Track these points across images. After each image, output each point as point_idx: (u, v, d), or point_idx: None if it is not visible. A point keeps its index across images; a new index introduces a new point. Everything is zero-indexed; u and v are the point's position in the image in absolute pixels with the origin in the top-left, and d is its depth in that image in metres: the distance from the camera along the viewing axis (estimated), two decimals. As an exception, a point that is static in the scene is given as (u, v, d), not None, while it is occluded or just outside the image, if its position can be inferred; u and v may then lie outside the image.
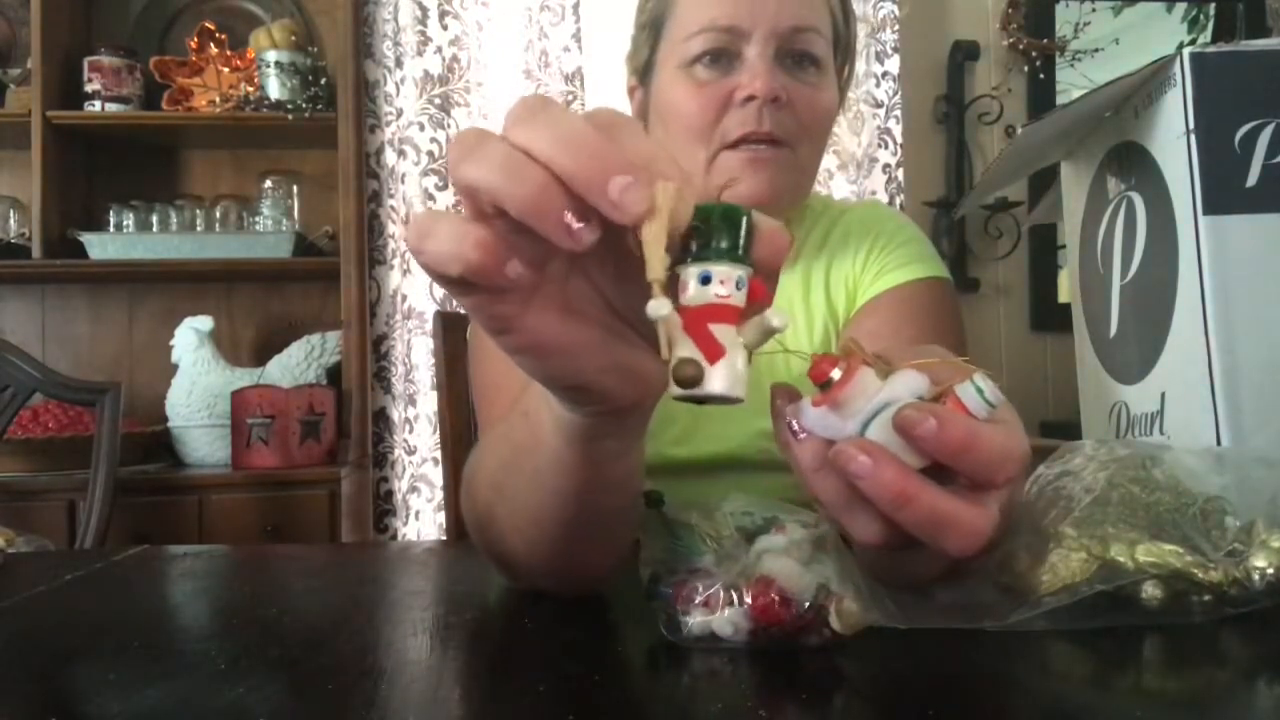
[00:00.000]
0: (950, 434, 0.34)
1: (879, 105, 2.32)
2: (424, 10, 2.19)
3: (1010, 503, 0.38)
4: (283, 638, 0.50)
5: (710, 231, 0.33)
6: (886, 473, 0.34)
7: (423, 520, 2.16)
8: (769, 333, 0.34)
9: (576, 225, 0.32)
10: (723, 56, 0.77)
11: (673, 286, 0.33)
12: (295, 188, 2.31)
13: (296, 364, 2.19)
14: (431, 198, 2.18)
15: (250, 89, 2.19)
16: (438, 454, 2.07)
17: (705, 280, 0.33)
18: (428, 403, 2.15)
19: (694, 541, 0.50)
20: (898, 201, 2.32)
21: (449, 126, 2.19)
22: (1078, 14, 2.52)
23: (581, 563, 0.54)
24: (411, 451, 2.17)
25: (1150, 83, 0.67)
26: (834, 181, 2.28)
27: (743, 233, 0.33)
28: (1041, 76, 2.51)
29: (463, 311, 1.34)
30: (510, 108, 0.34)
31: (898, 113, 2.33)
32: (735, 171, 0.76)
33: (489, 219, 0.33)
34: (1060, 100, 2.48)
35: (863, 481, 0.34)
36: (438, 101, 2.19)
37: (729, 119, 0.76)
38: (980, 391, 0.35)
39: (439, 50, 2.19)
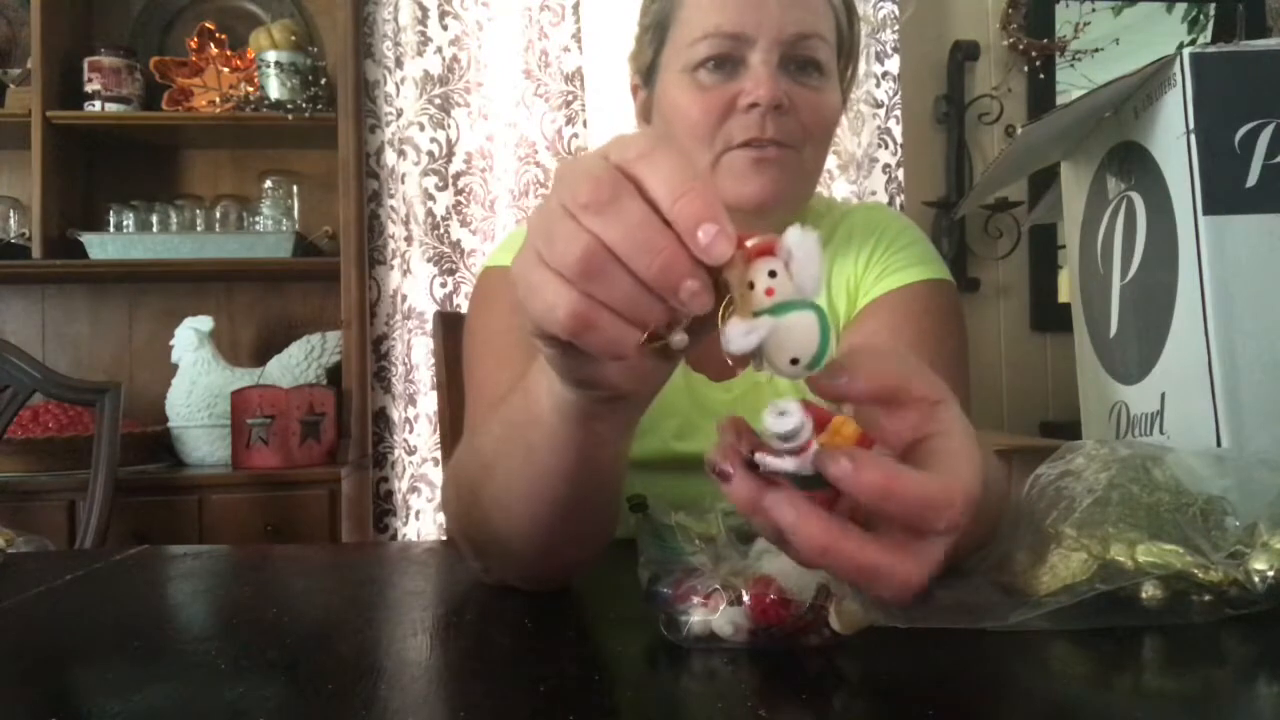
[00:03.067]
0: (867, 477, 0.34)
1: (879, 105, 2.32)
2: (424, 10, 2.19)
3: (957, 543, 0.38)
4: (283, 638, 0.50)
5: None
6: (810, 527, 0.35)
7: (423, 520, 2.16)
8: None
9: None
10: (727, 62, 0.77)
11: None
12: (295, 188, 2.31)
13: (296, 364, 2.19)
14: (431, 197, 2.17)
15: (250, 89, 2.18)
16: (438, 454, 2.07)
17: None
18: (428, 403, 2.15)
19: (678, 543, 0.50)
20: (898, 202, 2.32)
21: (449, 126, 2.19)
22: (1078, 14, 2.52)
23: (560, 550, 0.55)
24: (411, 451, 2.17)
25: (1150, 83, 0.67)
26: (835, 182, 2.28)
27: None
28: (1041, 76, 2.51)
29: (462, 311, 1.34)
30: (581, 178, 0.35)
31: (898, 113, 2.33)
32: (740, 171, 0.77)
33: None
34: (1060, 100, 2.48)
35: (790, 535, 0.35)
36: (438, 101, 2.19)
37: (732, 124, 0.76)
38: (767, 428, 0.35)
39: (439, 50, 2.19)
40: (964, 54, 2.49)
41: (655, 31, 0.83)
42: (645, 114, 0.87)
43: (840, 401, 0.39)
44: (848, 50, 0.84)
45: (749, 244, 0.35)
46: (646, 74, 0.85)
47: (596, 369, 0.41)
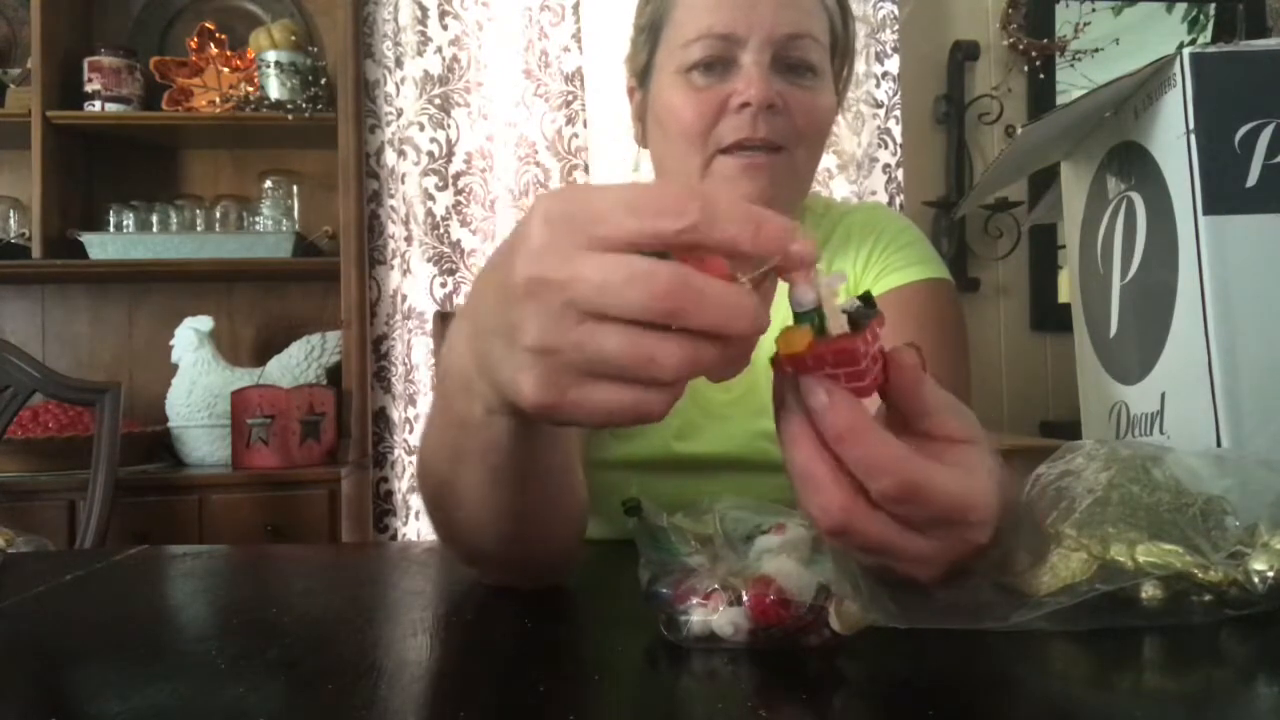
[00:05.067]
0: (833, 418, 0.37)
1: (879, 105, 2.32)
2: (424, 10, 2.19)
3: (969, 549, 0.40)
4: (283, 638, 0.50)
5: None
6: (836, 414, 0.37)
7: (423, 520, 2.16)
8: None
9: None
10: (719, 63, 0.77)
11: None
12: (295, 188, 2.31)
13: (296, 364, 2.19)
14: (431, 197, 2.18)
15: (250, 89, 2.18)
16: (438, 454, 2.07)
17: None
18: (428, 403, 2.14)
19: (672, 545, 0.50)
20: (897, 202, 2.32)
21: (449, 126, 2.19)
22: (1078, 14, 2.52)
23: (536, 544, 0.55)
24: (411, 451, 2.17)
25: (1150, 83, 0.67)
26: (834, 182, 2.28)
27: None
28: (1041, 76, 2.51)
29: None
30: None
31: (898, 113, 2.33)
32: (730, 177, 0.77)
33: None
34: (1060, 100, 2.48)
35: (816, 416, 0.38)
36: (438, 101, 2.19)
37: (724, 125, 0.76)
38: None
39: (439, 50, 2.19)
40: (964, 54, 2.49)
41: (649, 33, 0.83)
42: (641, 115, 0.87)
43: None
44: (842, 51, 0.84)
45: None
46: (641, 76, 0.85)
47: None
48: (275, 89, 2.17)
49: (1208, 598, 0.47)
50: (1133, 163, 0.70)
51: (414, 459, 2.16)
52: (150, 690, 0.41)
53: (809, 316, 0.37)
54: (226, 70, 2.22)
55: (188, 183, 2.39)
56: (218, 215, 2.27)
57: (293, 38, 2.23)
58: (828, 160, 2.25)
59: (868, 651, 0.45)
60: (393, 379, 2.21)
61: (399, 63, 2.20)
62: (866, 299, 0.38)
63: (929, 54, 2.50)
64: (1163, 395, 0.67)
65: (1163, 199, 0.66)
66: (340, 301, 2.15)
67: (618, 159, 2.29)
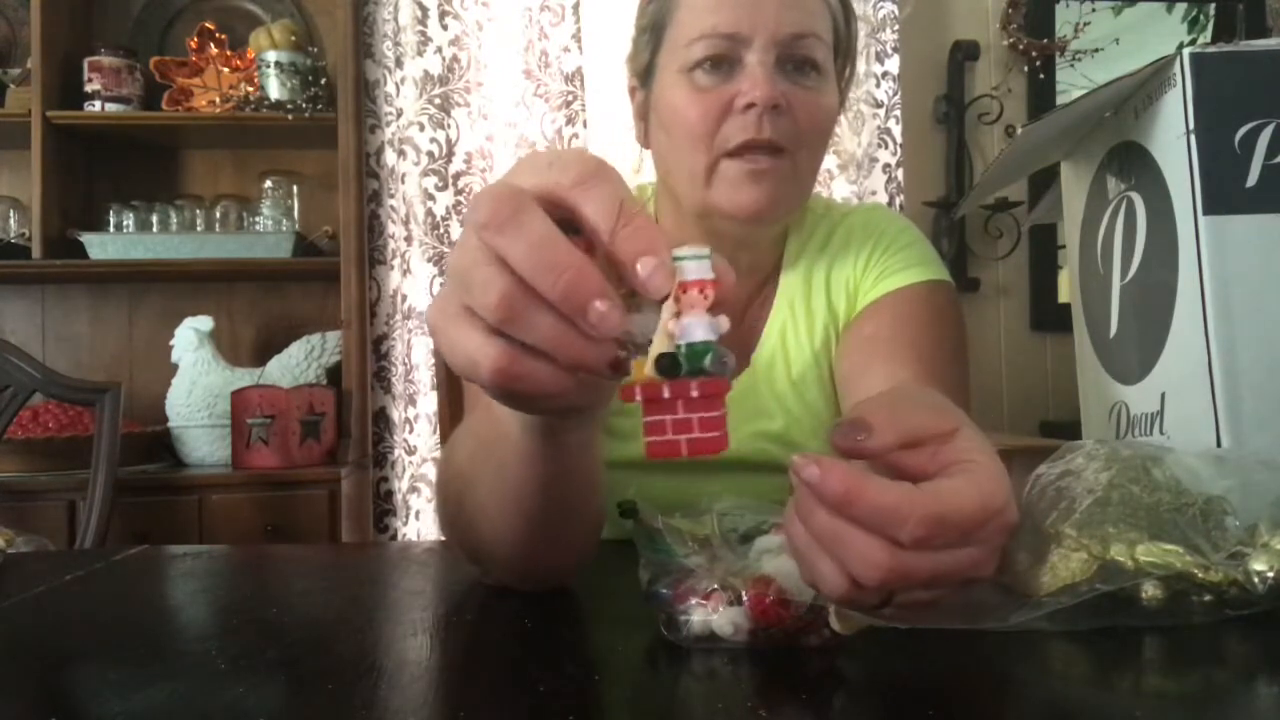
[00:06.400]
0: (829, 485, 0.36)
1: (879, 105, 2.32)
2: (424, 10, 2.19)
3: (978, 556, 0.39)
4: (283, 638, 0.50)
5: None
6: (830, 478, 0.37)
7: (423, 520, 2.16)
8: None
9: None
10: (723, 63, 0.77)
11: None
12: (295, 188, 2.31)
13: (296, 364, 2.19)
14: (431, 197, 2.18)
15: (250, 89, 2.18)
16: (438, 454, 2.07)
17: None
18: (428, 403, 2.15)
19: (668, 546, 0.50)
20: (897, 202, 2.32)
21: (449, 126, 2.19)
22: (1078, 14, 2.52)
23: (546, 555, 0.56)
24: (411, 451, 2.17)
25: (1150, 83, 0.67)
26: (834, 182, 2.28)
27: None
28: (1041, 76, 2.51)
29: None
30: (482, 206, 0.34)
31: (898, 113, 2.32)
32: (736, 181, 0.76)
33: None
34: (1060, 100, 2.48)
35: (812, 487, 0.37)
36: (438, 101, 2.19)
37: (729, 125, 0.76)
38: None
39: (439, 50, 2.19)
40: (964, 54, 2.49)
41: (652, 33, 0.83)
42: (642, 115, 0.87)
43: (864, 459, 0.40)
44: (845, 50, 0.83)
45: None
46: (644, 76, 0.85)
47: (541, 403, 0.40)
48: (275, 89, 2.17)
49: (1208, 598, 0.47)
50: (1133, 163, 0.70)
51: (413, 459, 2.16)
52: (150, 690, 0.41)
53: (682, 350, 0.36)
54: (226, 70, 2.22)
55: (188, 183, 2.39)
56: (218, 215, 2.27)
57: (293, 38, 2.23)
58: (828, 160, 2.25)
59: (868, 651, 0.45)
60: (393, 379, 2.21)
61: (399, 63, 2.20)
62: (714, 366, 0.37)
63: (929, 54, 2.50)
64: (1163, 395, 0.67)
65: (1163, 199, 0.66)
66: (340, 301, 2.15)
67: (618, 159, 2.28)
